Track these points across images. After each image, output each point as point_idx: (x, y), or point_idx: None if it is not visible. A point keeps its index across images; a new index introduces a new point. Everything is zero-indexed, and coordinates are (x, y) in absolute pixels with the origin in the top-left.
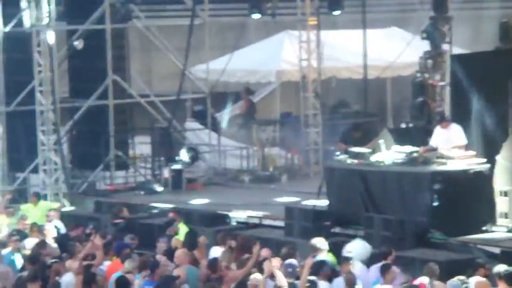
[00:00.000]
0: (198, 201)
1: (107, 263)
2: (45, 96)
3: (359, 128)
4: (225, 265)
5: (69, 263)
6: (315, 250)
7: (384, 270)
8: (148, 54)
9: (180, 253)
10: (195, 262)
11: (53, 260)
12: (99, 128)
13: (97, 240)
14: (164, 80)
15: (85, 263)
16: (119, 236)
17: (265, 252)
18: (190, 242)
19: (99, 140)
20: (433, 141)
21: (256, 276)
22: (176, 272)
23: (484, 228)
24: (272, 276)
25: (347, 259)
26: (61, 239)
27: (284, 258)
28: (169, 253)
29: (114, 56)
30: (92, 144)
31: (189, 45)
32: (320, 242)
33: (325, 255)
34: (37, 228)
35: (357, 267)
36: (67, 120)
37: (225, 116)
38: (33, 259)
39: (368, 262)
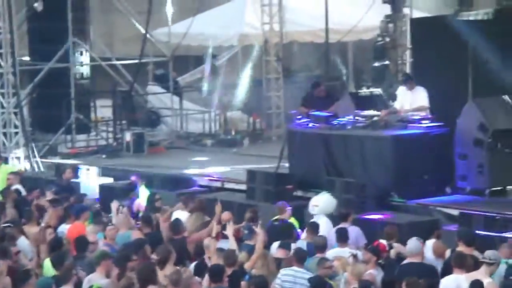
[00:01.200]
0: (160, 164)
1: (66, 227)
2: (4, 58)
3: (319, 85)
4: (190, 229)
5: (26, 228)
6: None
7: (340, 234)
8: (109, 17)
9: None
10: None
11: (6, 225)
12: (60, 91)
13: (43, 202)
14: (126, 43)
15: (44, 226)
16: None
17: (225, 215)
18: (152, 205)
19: (60, 103)
20: (398, 103)
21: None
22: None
23: (444, 190)
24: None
25: (315, 225)
26: (19, 203)
27: (248, 221)
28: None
29: (74, 18)
30: (53, 107)
31: (150, 7)
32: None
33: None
34: None
35: (322, 222)
36: (27, 83)
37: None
38: None
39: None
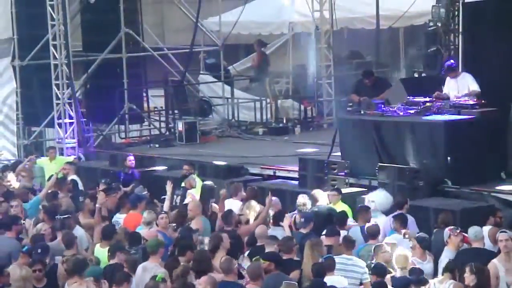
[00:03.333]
0: (213, 153)
1: (122, 216)
2: (58, 50)
3: (370, 74)
4: (244, 218)
5: (80, 218)
6: (315, 200)
7: (399, 220)
8: (160, 7)
9: (193, 205)
10: (206, 214)
11: (65, 216)
12: (113, 81)
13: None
14: (177, 33)
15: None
16: (133, 188)
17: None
18: (206, 195)
19: (113, 93)
20: (445, 91)
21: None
22: (193, 225)
23: (498, 176)
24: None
25: (367, 208)
26: (74, 193)
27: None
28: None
29: (126, 9)
30: (106, 98)
31: None
32: (318, 193)
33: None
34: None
35: (380, 219)
36: (81, 74)
37: None
38: (49, 211)
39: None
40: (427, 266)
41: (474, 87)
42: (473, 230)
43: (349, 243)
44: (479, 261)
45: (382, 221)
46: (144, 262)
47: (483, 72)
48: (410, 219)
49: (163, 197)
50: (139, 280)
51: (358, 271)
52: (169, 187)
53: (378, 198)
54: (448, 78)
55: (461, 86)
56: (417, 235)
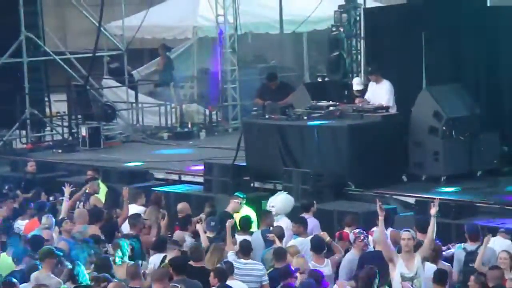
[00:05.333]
0: (117, 158)
1: (23, 222)
2: None
3: (274, 77)
4: (148, 223)
5: None
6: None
7: (298, 223)
8: (62, 10)
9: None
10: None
11: None
12: (13, 86)
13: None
14: (79, 36)
15: None
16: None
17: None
18: (111, 200)
19: (14, 98)
20: (367, 95)
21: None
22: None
23: (400, 179)
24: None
25: (268, 212)
26: None
27: (207, 215)
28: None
29: (26, 12)
30: (7, 102)
31: (103, 0)
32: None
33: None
34: None
35: (282, 222)
36: None
37: None
38: None
39: (291, 215)
40: (325, 269)
41: (384, 100)
42: (377, 233)
43: (244, 249)
44: (381, 264)
45: (285, 224)
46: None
47: (385, 77)
48: (314, 222)
49: (51, 198)
50: None
51: (255, 274)
52: (67, 189)
53: (277, 202)
54: (371, 82)
55: (377, 93)
56: (310, 238)
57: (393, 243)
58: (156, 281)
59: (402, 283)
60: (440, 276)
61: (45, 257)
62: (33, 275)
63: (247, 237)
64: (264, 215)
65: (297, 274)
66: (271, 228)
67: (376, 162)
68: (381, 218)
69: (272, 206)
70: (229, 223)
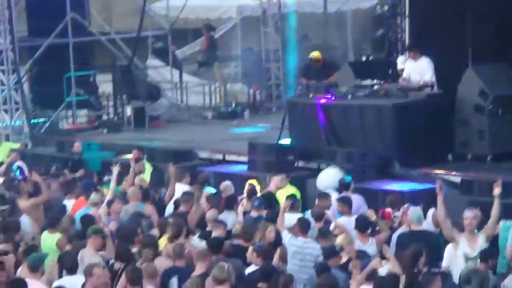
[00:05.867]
0: (162, 138)
1: (71, 202)
2: (3, 35)
3: (318, 56)
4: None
5: (21, 203)
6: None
7: (343, 203)
8: None
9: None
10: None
11: (3, 208)
12: (60, 66)
13: (35, 177)
14: (124, 17)
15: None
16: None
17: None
18: (156, 179)
19: (60, 79)
20: (406, 73)
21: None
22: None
23: (445, 158)
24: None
25: (327, 195)
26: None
27: (248, 194)
28: None
29: None
30: (53, 83)
31: None
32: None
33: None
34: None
35: (333, 197)
36: (27, 59)
37: None
38: None
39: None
40: (370, 248)
41: (427, 77)
42: (416, 213)
43: (303, 226)
44: (424, 244)
45: (334, 199)
46: (82, 250)
47: (430, 55)
48: (358, 200)
49: (106, 178)
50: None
51: (314, 254)
52: (115, 170)
53: (327, 177)
54: (408, 60)
55: (421, 70)
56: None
57: (435, 224)
58: (199, 260)
59: (384, 246)
60: None
61: (92, 234)
62: (80, 253)
63: (298, 215)
64: (322, 197)
65: (341, 254)
66: (325, 211)
67: (421, 141)
68: (440, 198)
69: (322, 182)
70: (284, 204)
